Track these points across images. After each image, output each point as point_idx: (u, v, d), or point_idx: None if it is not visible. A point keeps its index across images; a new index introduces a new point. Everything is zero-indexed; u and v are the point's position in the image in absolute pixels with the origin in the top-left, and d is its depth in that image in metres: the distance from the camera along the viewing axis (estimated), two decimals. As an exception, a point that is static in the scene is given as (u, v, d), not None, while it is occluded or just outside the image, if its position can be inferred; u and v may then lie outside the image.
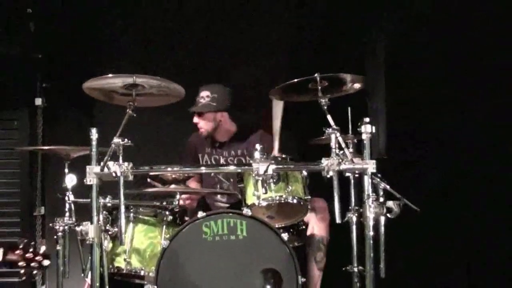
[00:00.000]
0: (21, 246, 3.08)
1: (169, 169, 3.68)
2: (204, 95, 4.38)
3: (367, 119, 3.20)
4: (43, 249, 3.15)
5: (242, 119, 4.67)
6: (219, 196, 4.44)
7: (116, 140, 3.10)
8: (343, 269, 3.56)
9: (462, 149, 4.88)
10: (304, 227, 3.96)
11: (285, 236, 3.38)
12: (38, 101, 4.65)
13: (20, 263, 3.08)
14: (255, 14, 5.39)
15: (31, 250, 3.10)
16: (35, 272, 3.15)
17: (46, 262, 3.15)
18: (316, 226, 4.02)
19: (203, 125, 4.40)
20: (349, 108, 3.50)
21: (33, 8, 4.88)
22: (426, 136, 5.02)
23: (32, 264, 3.09)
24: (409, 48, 5.03)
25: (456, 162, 4.88)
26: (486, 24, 4.82)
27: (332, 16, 5.28)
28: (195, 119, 4.41)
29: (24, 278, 3.19)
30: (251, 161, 3.33)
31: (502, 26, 4.78)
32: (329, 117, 3.28)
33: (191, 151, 4.60)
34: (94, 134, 3.13)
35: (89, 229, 3.10)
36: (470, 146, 4.84)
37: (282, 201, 3.56)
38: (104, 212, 3.43)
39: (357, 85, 3.49)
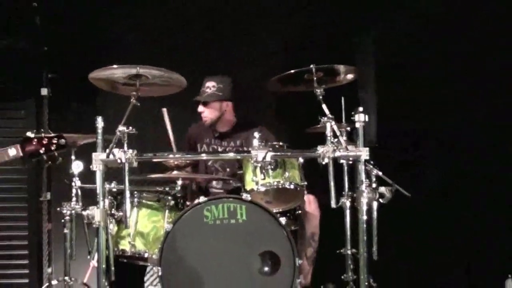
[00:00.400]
0: (33, 136, 3.20)
1: (171, 156, 3.85)
2: (210, 85, 4.47)
3: (360, 109, 3.34)
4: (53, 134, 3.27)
5: (244, 114, 4.78)
6: (214, 182, 4.55)
7: (121, 128, 3.23)
8: (337, 251, 3.71)
9: (462, 149, 4.99)
10: (300, 211, 4.08)
11: (283, 220, 3.54)
12: (44, 91, 4.70)
13: (41, 151, 3.20)
14: (258, 12, 5.48)
15: (43, 135, 3.22)
16: (57, 154, 3.24)
17: (62, 141, 3.26)
18: (307, 223, 4.16)
19: (208, 114, 4.48)
20: (342, 98, 3.63)
21: (38, 2, 4.96)
22: (424, 134, 5.15)
23: (52, 147, 3.20)
24: (410, 48, 5.15)
25: (456, 162, 5.01)
26: (485, 24, 4.93)
27: (334, 16, 5.38)
28: (200, 108, 4.48)
29: (50, 162, 3.30)
30: (250, 149, 3.48)
31: (500, 26, 4.90)
32: (324, 107, 3.42)
33: (189, 141, 4.68)
34: (99, 122, 3.25)
35: (96, 213, 3.24)
36: (470, 146, 4.96)
37: (280, 187, 3.68)
38: (109, 197, 3.56)
39: (350, 76, 3.63)
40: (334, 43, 5.21)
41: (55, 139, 3.24)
